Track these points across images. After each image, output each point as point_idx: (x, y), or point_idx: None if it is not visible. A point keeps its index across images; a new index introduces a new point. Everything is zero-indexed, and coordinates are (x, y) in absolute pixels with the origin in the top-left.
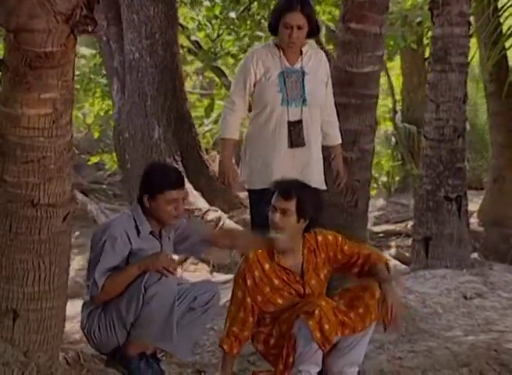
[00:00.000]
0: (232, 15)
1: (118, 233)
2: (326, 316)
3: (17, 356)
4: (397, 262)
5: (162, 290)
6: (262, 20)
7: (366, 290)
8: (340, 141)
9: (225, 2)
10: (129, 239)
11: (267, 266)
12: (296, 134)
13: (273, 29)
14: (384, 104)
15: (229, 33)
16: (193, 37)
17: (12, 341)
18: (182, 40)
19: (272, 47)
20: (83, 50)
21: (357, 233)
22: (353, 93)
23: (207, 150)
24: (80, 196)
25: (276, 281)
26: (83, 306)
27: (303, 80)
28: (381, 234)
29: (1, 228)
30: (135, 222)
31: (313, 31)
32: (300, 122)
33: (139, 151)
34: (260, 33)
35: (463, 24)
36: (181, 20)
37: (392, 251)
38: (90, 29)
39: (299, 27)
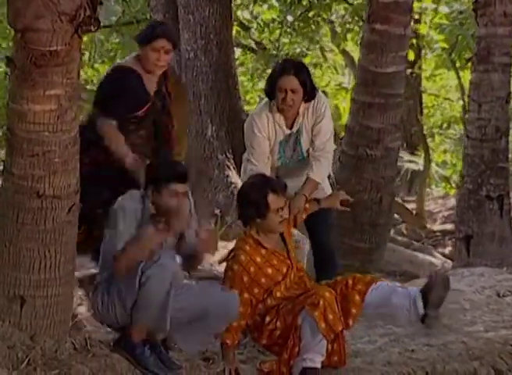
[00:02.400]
0: (290, 18)
1: (127, 207)
2: (330, 307)
3: (23, 340)
4: (448, 261)
5: (158, 272)
6: (322, 23)
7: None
8: (317, 182)
9: (283, 6)
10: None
11: (259, 260)
12: None
13: (269, 93)
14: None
15: (289, 36)
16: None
17: (19, 326)
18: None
19: (270, 111)
20: None
21: (380, 231)
22: (377, 92)
23: None
24: None
25: (269, 270)
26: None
27: (300, 141)
28: (438, 233)
29: (9, 218)
30: (143, 203)
31: (309, 95)
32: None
33: (192, 149)
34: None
35: (507, 24)
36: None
37: (447, 249)
38: (93, 29)
39: (293, 91)
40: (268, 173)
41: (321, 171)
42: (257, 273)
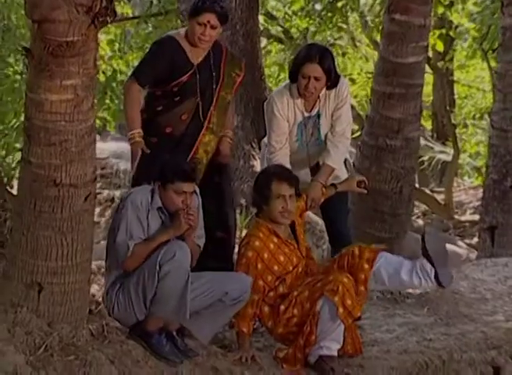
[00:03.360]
0: (318, 7)
1: (138, 199)
2: (349, 292)
3: (41, 326)
4: (473, 250)
5: (175, 268)
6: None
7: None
8: (333, 168)
9: None
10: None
11: (272, 246)
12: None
13: (292, 76)
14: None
15: (320, 25)
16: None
17: (37, 312)
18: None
19: (291, 93)
20: None
21: (400, 220)
22: (397, 82)
23: None
24: None
25: (281, 258)
26: (105, 284)
27: (318, 123)
28: (466, 224)
29: (27, 206)
30: (152, 196)
31: (331, 83)
32: (317, 164)
33: None
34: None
35: None
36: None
37: (474, 240)
38: (109, 20)
39: (316, 78)
40: (287, 155)
41: (339, 157)
42: (271, 260)
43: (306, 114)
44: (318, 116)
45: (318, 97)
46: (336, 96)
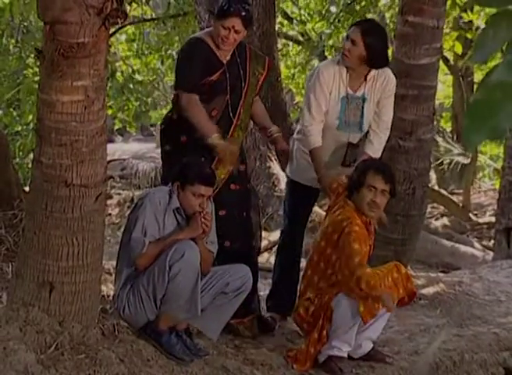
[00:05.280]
0: (333, 9)
1: (157, 199)
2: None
3: (52, 325)
4: (490, 252)
5: (185, 266)
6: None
7: (391, 266)
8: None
9: None
10: (164, 204)
11: (363, 238)
12: (350, 156)
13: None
14: None
15: (336, 28)
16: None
17: (48, 311)
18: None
19: (339, 67)
20: None
21: (413, 222)
22: (410, 84)
23: None
24: None
25: (365, 249)
26: (115, 285)
27: (362, 107)
28: (484, 225)
29: (38, 206)
30: (169, 197)
31: (375, 62)
32: (358, 145)
33: None
34: None
35: None
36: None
37: (492, 242)
38: (120, 21)
39: (353, 42)
40: (320, 132)
41: (380, 148)
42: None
43: (350, 91)
44: (363, 99)
45: (365, 79)
46: (383, 84)
